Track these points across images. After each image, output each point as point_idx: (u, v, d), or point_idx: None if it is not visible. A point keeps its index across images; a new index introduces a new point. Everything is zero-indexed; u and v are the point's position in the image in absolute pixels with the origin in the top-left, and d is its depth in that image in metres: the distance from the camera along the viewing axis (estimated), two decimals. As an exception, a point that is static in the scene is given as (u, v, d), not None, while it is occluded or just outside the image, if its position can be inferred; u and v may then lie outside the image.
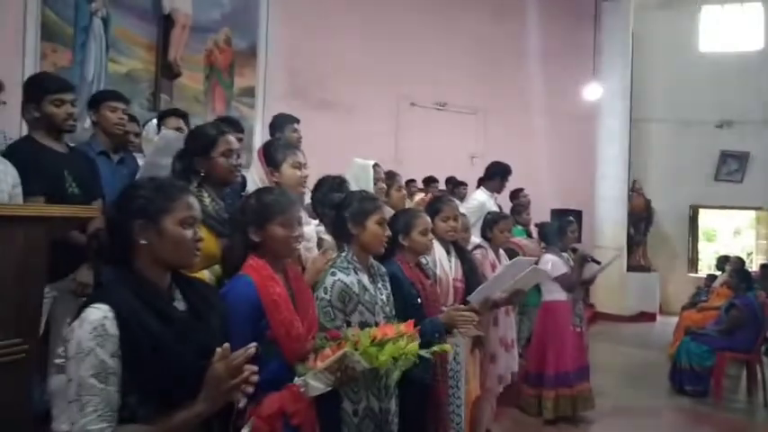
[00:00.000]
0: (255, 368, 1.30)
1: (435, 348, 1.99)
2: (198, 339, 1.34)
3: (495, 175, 4.90)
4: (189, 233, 1.38)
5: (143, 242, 1.33)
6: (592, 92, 7.56)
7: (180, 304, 1.40)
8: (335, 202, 2.26)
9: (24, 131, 2.81)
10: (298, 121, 3.51)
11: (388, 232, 2.21)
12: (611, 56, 8.42)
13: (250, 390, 1.31)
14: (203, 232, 1.62)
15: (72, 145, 2.56)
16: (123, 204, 1.38)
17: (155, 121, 4.94)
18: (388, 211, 2.50)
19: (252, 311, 1.65)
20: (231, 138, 2.10)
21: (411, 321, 1.97)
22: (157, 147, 2.43)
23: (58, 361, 2.30)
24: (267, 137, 5.89)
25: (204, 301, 1.44)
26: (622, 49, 8.54)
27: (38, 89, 2.41)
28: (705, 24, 9.41)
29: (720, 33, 9.29)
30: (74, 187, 2.38)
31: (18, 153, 2.26)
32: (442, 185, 6.92)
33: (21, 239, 1.67)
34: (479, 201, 4.66)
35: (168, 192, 1.39)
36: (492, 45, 8.66)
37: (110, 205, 1.46)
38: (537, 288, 4.26)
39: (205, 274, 1.88)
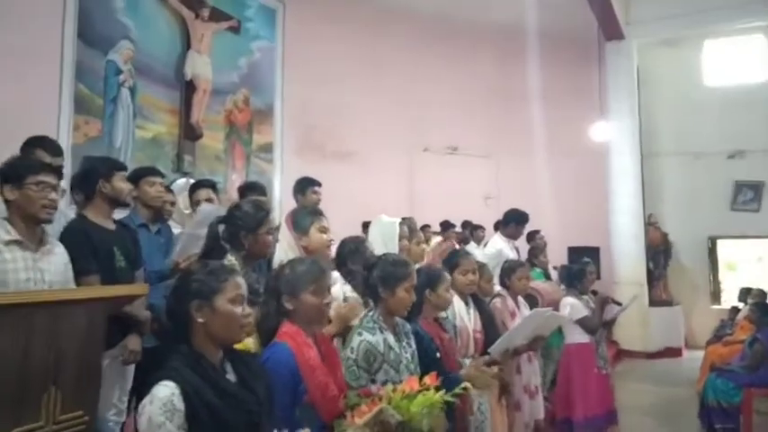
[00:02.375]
0: None
1: (458, 390, 2.07)
2: (249, 409, 1.49)
3: (511, 222, 4.98)
4: (238, 309, 1.55)
5: (200, 320, 1.49)
6: (600, 131, 7.71)
7: (231, 376, 1.55)
8: (371, 263, 2.34)
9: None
10: (319, 184, 3.71)
11: (414, 298, 2.29)
12: (617, 94, 8.59)
13: None
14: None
15: (117, 219, 2.77)
16: (181, 289, 1.55)
17: (182, 180, 5.21)
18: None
19: (291, 377, 1.76)
20: (273, 216, 2.31)
21: (434, 373, 2.03)
22: (197, 220, 2.63)
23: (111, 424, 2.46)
24: (285, 190, 6.18)
25: (251, 373, 1.59)
26: (628, 87, 8.71)
27: (109, 167, 2.66)
28: (709, 58, 9.58)
29: (725, 66, 9.44)
30: (121, 261, 2.58)
31: (73, 234, 2.47)
32: (457, 228, 7.04)
33: (83, 319, 1.84)
34: (497, 248, 4.75)
35: (219, 274, 1.56)
36: (501, 89, 8.93)
37: (168, 292, 1.62)
38: (560, 329, 4.29)
39: (249, 342, 1.99)
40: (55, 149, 2.78)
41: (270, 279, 2.02)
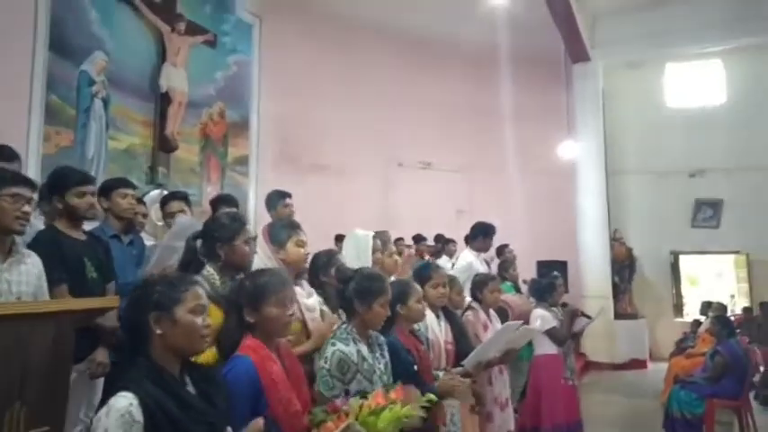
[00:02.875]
0: None
1: (423, 402, 2.10)
2: (210, 422, 1.47)
3: (479, 235, 5.04)
4: (199, 320, 1.52)
5: (159, 332, 1.46)
6: (567, 149, 7.96)
7: (190, 388, 1.52)
8: (347, 276, 2.36)
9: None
10: (289, 195, 3.74)
11: (389, 313, 2.32)
12: (584, 114, 8.91)
13: None
14: (214, 310, 1.76)
15: (88, 230, 2.72)
16: (139, 300, 1.51)
17: (155, 192, 5.16)
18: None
19: (252, 391, 1.73)
20: (249, 228, 2.32)
21: (400, 388, 2.06)
22: (173, 232, 2.61)
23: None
24: (261, 203, 6.16)
25: (211, 385, 1.56)
26: (594, 107, 9.04)
27: (61, 182, 2.57)
28: (671, 81, 9.99)
29: (686, 89, 9.85)
30: (92, 272, 2.54)
31: (43, 243, 2.41)
32: (430, 241, 7.13)
33: (51, 332, 1.77)
34: (467, 261, 4.83)
35: (179, 284, 1.53)
36: (474, 108, 9.14)
37: (126, 303, 1.58)
38: (529, 343, 4.38)
39: (212, 350, 2.00)
40: (8, 155, 2.73)
41: (231, 292, 2.00)
